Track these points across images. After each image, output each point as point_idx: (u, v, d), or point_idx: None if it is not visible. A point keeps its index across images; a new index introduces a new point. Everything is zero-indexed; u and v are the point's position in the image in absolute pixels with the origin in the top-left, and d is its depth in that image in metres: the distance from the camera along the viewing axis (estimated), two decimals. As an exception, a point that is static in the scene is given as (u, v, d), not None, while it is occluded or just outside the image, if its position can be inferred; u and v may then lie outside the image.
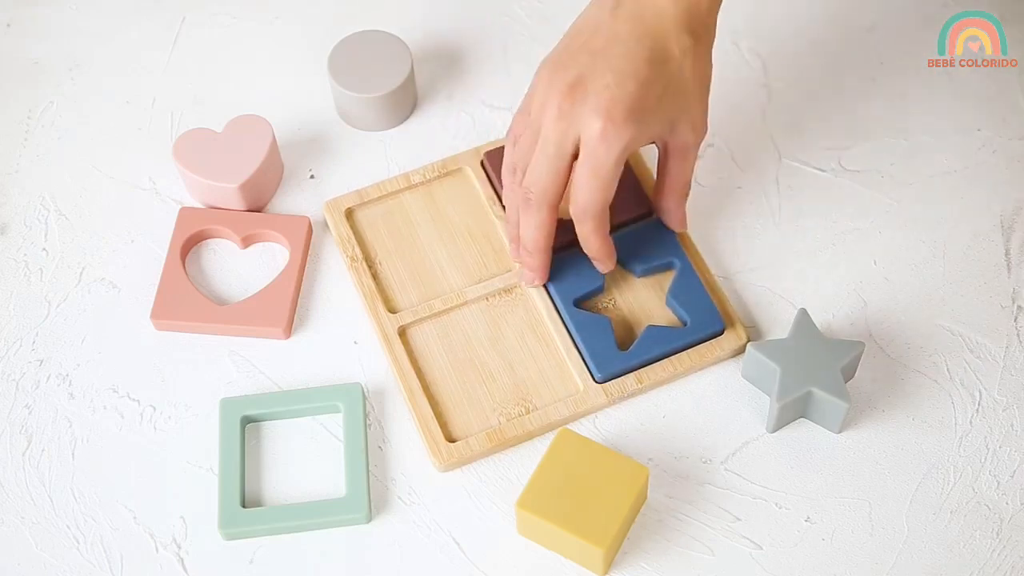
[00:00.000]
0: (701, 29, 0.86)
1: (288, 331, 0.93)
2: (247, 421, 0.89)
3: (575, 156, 0.85)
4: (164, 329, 0.93)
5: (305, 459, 0.89)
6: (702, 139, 0.89)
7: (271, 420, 0.90)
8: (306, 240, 0.96)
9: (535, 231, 0.88)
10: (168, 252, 0.95)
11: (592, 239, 0.88)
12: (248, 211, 0.97)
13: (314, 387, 0.90)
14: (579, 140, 0.84)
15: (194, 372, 0.92)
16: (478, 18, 1.08)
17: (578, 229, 0.88)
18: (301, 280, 0.95)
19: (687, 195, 0.92)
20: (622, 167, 0.85)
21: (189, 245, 0.96)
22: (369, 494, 0.86)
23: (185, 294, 0.93)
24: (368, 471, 0.87)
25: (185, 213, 0.97)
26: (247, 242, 0.97)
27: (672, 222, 0.93)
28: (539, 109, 0.86)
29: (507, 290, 0.94)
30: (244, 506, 0.86)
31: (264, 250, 0.97)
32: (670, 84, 0.85)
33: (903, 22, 1.08)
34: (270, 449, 0.89)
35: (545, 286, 0.94)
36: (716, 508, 0.87)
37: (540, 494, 0.83)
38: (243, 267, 0.96)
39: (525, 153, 0.87)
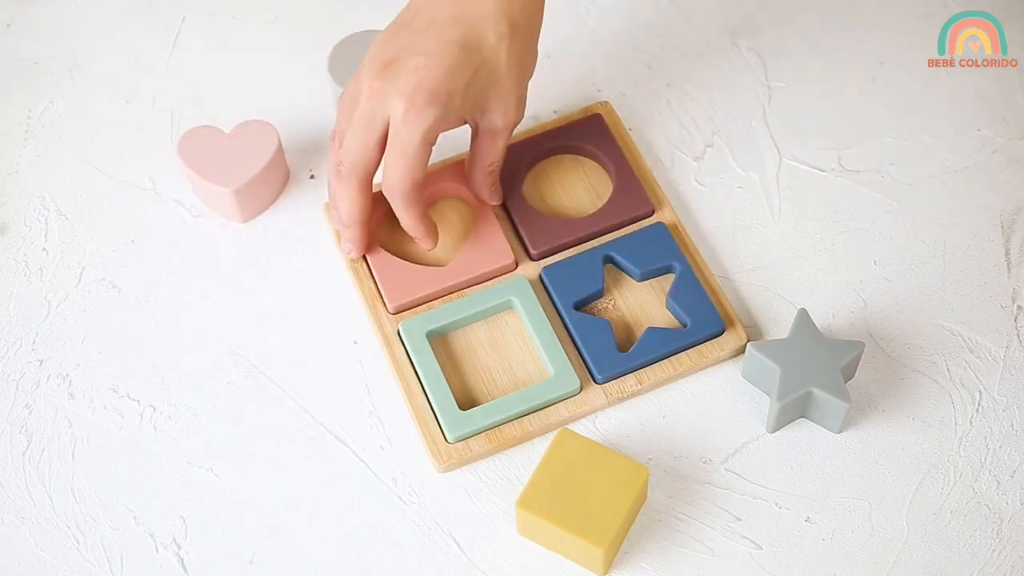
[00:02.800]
0: (521, 17, 0.88)
1: (515, 261, 0.95)
2: (431, 335, 0.91)
3: (387, 134, 0.87)
4: (399, 311, 0.93)
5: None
6: (514, 124, 0.91)
7: (451, 331, 0.93)
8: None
9: (347, 204, 0.90)
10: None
11: (403, 216, 0.90)
12: (246, 218, 0.98)
13: (484, 289, 0.93)
14: (387, 117, 0.86)
15: (194, 372, 0.92)
16: (478, 18, 1.08)
17: (392, 206, 0.90)
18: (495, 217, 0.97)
19: (497, 172, 0.94)
20: (429, 147, 0.87)
21: (376, 232, 0.96)
22: (574, 367, 0.90)
23: (402, 272, 0.94)
24: (564, 349, 0.90)
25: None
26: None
27: (483, 196, 0.95)
28: (360, 81, 0.88)
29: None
30: (461, 409, 0.88)
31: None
32: (481, 69, 0.87)
33: (903, 22, 1.08)
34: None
35: (546, 289, 0.94)
36: (716, 508, 0.87)
37: (540, 494, 0.83)
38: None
39: (343, 124, 0.90)
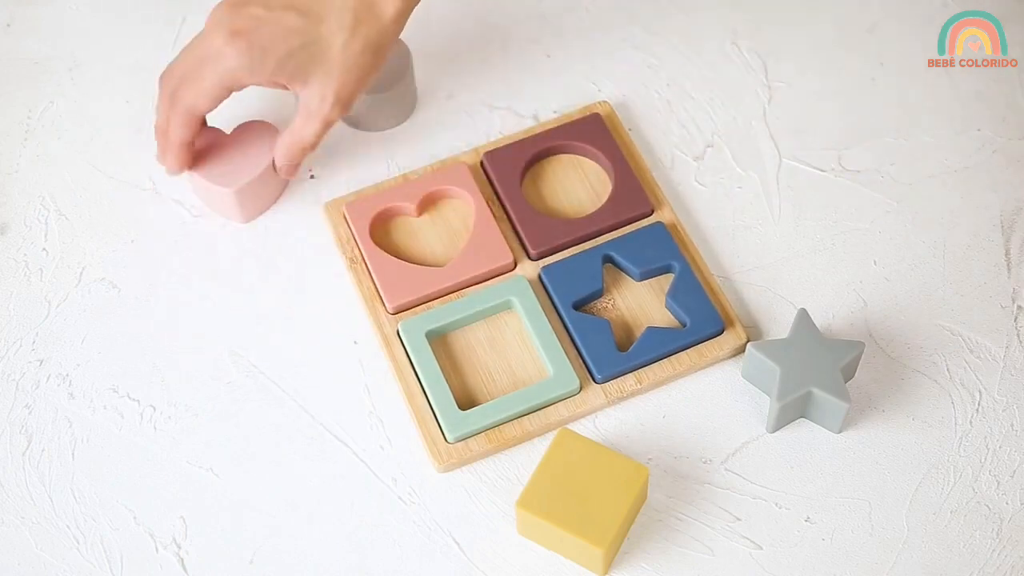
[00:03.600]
0: (367, 18, 0.91)
1: (515, 261, 0.95)
2: (431, 335, 0.91)
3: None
4: (398, 311, 0.93)
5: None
6: (328, 115, 0.92)
7: (451, 331, 0.92)
8: (474, 181, 0.97)
9: (158, 111, 0.94)
10: (363, 247, 0.95)
11: (169, 128, 0.93)
12: (248, 218, 0.98)
13: (483, 289, 0.93)
14: (206, 46, 0.91)
15: (194, 372, 0.92)
16: (478, 18, 1.08)
17: (169, 110, 0.93)
18: (492, 213, 0.97)
19: (300, 156, 0.95)
20: (225, 89, 0.91)
21: (375, 232, 0.96)
22: (573, 367, 0.90)
23: (402, 272, 0.94)
24: (563, 349, 0.90)
25: (353, 207, 0.97)
26: (421, 209, 0.97)
27: (277, 165, 0.96)
28: (212, 11, 0.92)
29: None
30: (460, 409, 0.88)
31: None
32: (311, 44, 0.90)
33: (903, 22, 1.08)
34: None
35: (545, 289, 0.94)
36: (716, 508, 0.87)
37: (540, 494, 0.83)
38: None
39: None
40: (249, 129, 0.98)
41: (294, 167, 0.97)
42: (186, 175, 0.97)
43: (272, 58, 0.90)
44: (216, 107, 0.93)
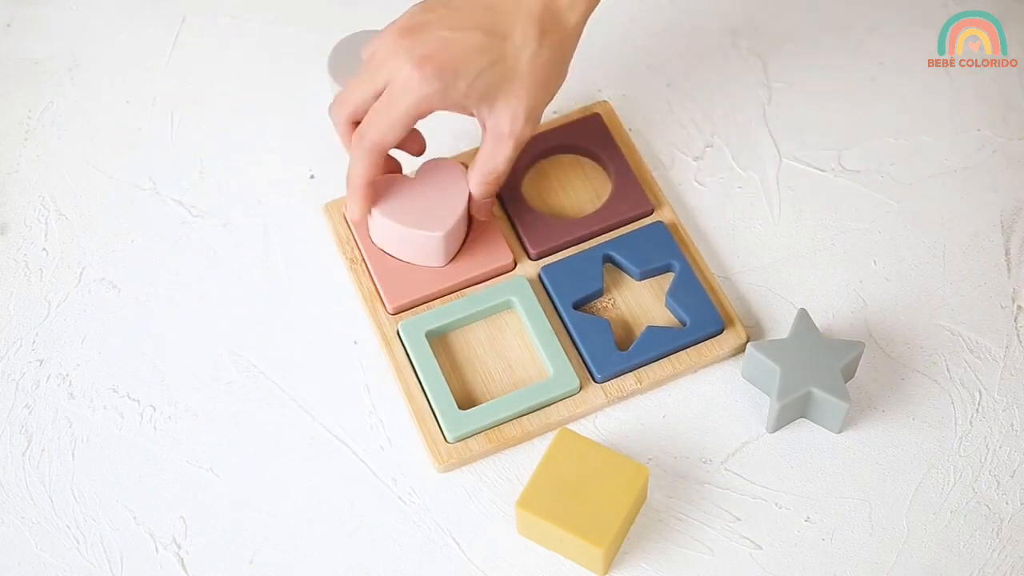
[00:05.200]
0: (552, 28, 0.87)
1: (515, 261, 0.95)
2: (431, 335, 0.91)
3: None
4: (398, 311, 0.93)
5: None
6: (521, 135, 0.89)
7: (451, 331, 0.92)
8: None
9: (348, 151, 0.90)
10: (363, 247, 0.95)
11: (351, 166, 0.89)
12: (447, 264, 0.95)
13: (483, 288, 0.93)
14: (391, 75, 0.86)
15: (194, 372, 0.92)
16: (478, 18, 1.08)
17: (352, 149, 0.89)
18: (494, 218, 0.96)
19: (495, 184, 0.91)
20: (415, 116, 0.87)
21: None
22: (573, 367, 0.90)
23: (402, 272, 0.94)
24: (563, 348, 0.90)
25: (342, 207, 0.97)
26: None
27: (474, 202, 0.93)
28: (382, 35, 0.88)
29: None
30: (460, 408, 0.88)
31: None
32: (499, 62, 0.86)
33: (903, 22, 1.08)
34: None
35: (545, 289, 0.94)
36: (716, 508, 0.87)
37: (540, 494, 0.83)
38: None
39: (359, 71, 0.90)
40: (434, 169, 0.94)
41: (488, 206, 0.93)
42: (377, 224, 0.93)
43: (464, 80, 0.86)
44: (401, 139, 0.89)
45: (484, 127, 0.90)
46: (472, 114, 0.90)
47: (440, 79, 0.85)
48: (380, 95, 0.87)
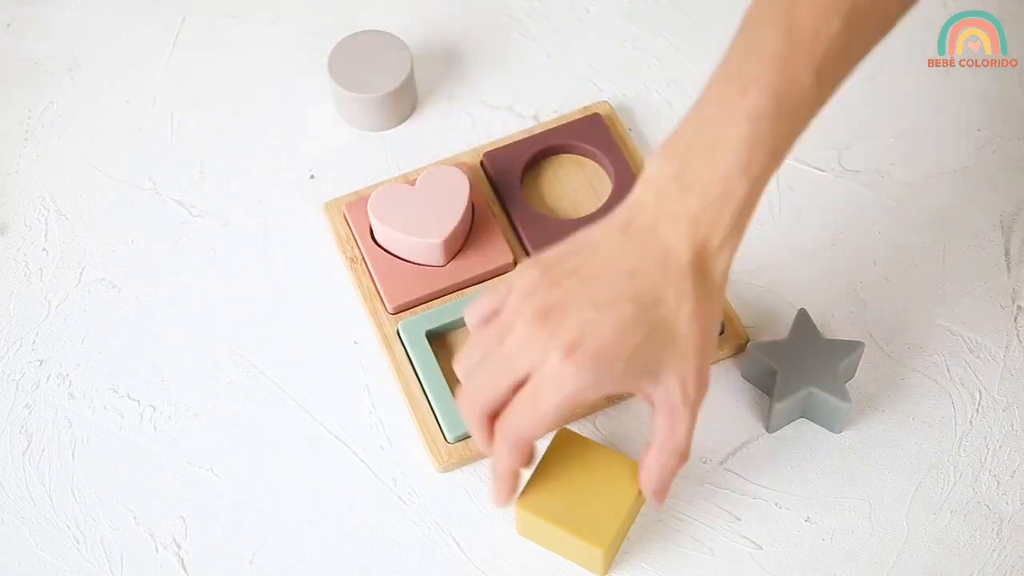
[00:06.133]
0: (705, 275, 0.76)
1: (515, 261, 0.94)
2: (431, 335, 0.91)
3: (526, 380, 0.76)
4: (398, 311, 0.93)
5: None
6: (696, 402, 0.78)
7: (451, 331, 0.92)
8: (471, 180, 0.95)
9: (485, 447, 0.80)
10: (363, 247, 0.95)
11: (497, 460, 0.80)
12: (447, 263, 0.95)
13: (483, 288, 0.93)
14: (534, 366, 0.75)
15: (194, 372, 0.92)
16: (478, 18, 1.08)
17: (496, 438, 0.79)
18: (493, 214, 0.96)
19: (677, 464, 0.80)
20: (566, 410, 0.75)
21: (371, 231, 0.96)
22: None
23: (402, 272, 0.94)
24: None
25: (353, 207, 0.96)
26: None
27: (647, 488, 0.81)
28: (511, 316, 0.76)
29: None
30: None
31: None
32: (656, 330, 0.75)
33: (903, 22, 1.07)
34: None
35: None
36: (716, 508, 0.87)
37: (540, 494, 0.83)
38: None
39: (476, 349, 0.79)
40: (435, 174, 0.94)
41: (665, 489, 0.81)
42: (378, 232, 0.94)
43: (620, 363, 0.74)
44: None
45: (651, 403, 0.78)
46: (634, 394, 0.81)
47: (593, 370, 0.74)
48: (518, 388, 0.76)
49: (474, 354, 0.78)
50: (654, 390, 0.77)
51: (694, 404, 0.78)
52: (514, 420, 0.77)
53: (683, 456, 0.79)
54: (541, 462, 0.84)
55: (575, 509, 0.82)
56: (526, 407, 0.76)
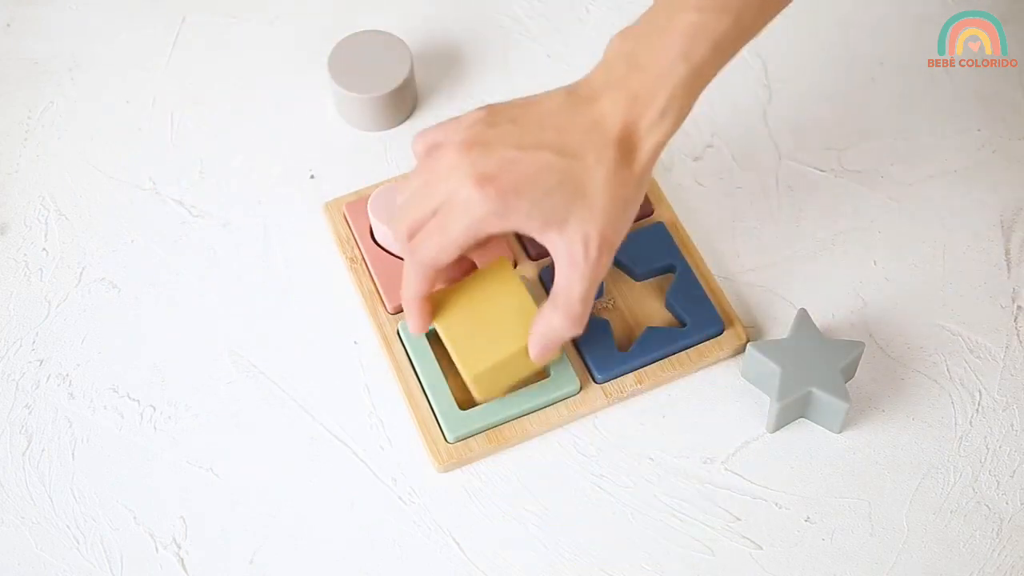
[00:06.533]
0: (630, 151, 0.80)
1: (515, 261, 0.94)
2: (431, 335, 0.91)
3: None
4: (398, 311, 0.93)
5: None
6: (598, 262, 0.79)
7: None
8: None
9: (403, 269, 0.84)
10: (363, 247, 0.95)
11: (405, 283, 0.83)
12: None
13: None
14: (451, 192, 0.79)
15: (194, 372, 0.92)
16: (478, 18, 1.08)
17: (406, 266, 0.83)
18: None
19: (564, 327, 0.81)
20: (472, 239, 0.79)
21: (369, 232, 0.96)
22: (573, 367, 0.89)
23: (402, 272, 0.93)
24: (563, 348, 0.89)
25: (353, 207, 0.96)
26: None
27: (531, 341, 0.83)
28: (446, 147, 0.80)
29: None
30: (460, 409, 0.88)
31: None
32: (569, 181, 0.78)
33: (903, 22, 1.08)
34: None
35: (545, 289, 0.94)
36: (716, 508, 0.87)
37: (446, 307, 0.85)
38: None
39: (412, 177, 0.83)
40: None
41: (549, 347, 0.83)
42: (380, 230, 0.94)
43: (526, 200, 0.78)
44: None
45: (555, 256, 0.81)
46: (534, 239, 0.82)
47: (500, 200, 0.77)
48: (438, 211, 0.80)
49: (412, 181, 0.82)
50: (559, 241, 0.79)
51: (594, 267, 0.79)
52: (423, 242, 0.80)
53: (573, 320, 0.81)
54: (468, 279, 0.86)
55: (469, 331, 0.84)
56: (433, 231, 0.80)
